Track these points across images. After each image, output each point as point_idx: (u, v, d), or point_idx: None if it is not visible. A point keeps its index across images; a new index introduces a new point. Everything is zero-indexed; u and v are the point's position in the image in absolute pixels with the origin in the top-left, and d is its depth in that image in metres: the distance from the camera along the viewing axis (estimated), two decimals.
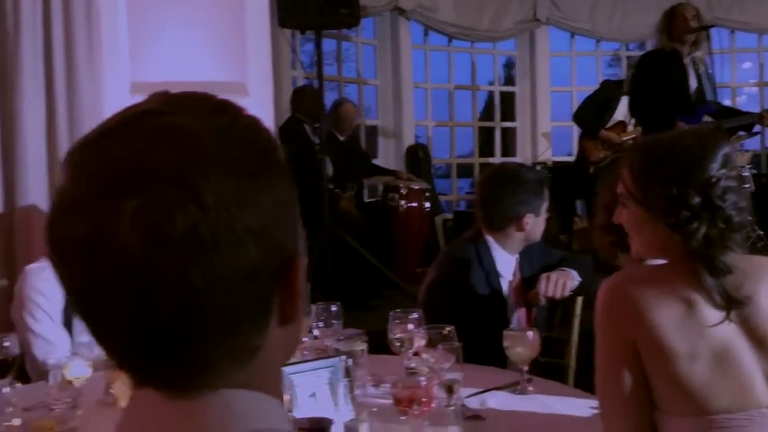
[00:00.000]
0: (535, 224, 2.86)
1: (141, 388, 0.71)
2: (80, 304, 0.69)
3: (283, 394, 0.77)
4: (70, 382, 2.23)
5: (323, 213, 5.14)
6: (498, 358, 2.47)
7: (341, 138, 6.60)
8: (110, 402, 2.33)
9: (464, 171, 9.31)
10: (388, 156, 8.26)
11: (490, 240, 2.87)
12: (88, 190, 0.66)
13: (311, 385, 1.91)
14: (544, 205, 2.88)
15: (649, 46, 7.26)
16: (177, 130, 0.67)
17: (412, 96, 8.45)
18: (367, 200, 6.81)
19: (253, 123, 0.73)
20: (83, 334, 2.94)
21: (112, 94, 3.80)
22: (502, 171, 2.97)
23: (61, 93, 3.64)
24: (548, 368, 2.82)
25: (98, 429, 2.08)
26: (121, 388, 2.00)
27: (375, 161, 7.51)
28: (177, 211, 0.64)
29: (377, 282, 5.46)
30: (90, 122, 3.63)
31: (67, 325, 2.91)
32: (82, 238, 0.65)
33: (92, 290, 0.67)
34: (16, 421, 1.85)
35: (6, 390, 1.82)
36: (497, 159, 9.17)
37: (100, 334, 0.70)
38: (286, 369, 1.84)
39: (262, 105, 4.24)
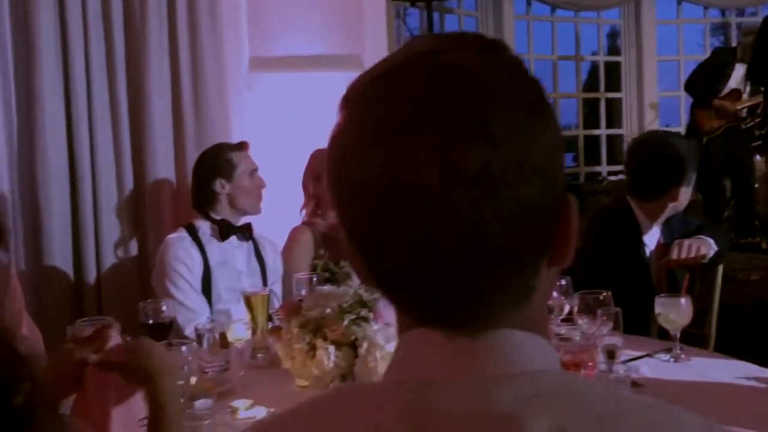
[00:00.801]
0: (685, 195, 2.84)
1: (416, 328, 0.71)
2: (366, 241, 0.69)
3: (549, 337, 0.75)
4: (222, 346, 2.29)
5: None
6: (642, 326, 2.43)
7: None
8: (258, 365, 2.40)
9: (568, 145, 9.15)
10: None
11: (637, 210, 2.86)
12: (383, 124, 0.66)
13: None
14: (694, 176, 2.84)
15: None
16: (464, 68, 0.68)
17: None
18: None
19: (521, 61, 0.72)
20: (220, 302, 3.01)
21: (233, 69, 3.85)
22: (655, 141, 2.94)
23: (186, 68, 3.71)
24: (688, 337, 2.76)
25: (253, 390, 2.12)
26: (284, 350, 2.03)
27: None
28: (471, 147, 0.64)
29: None
30: (213, 98, 3.71)
31: (206, 293, 2.99)
32: (379, 172, 0.66)
33: (383, 225, 0.67)
34: (193, 380, 1.90)
35: (184, 349, 1.87)
36: (602, 131, 8.99)
37: (383, 273, 0.70)
38: None
39: None
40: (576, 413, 0.65)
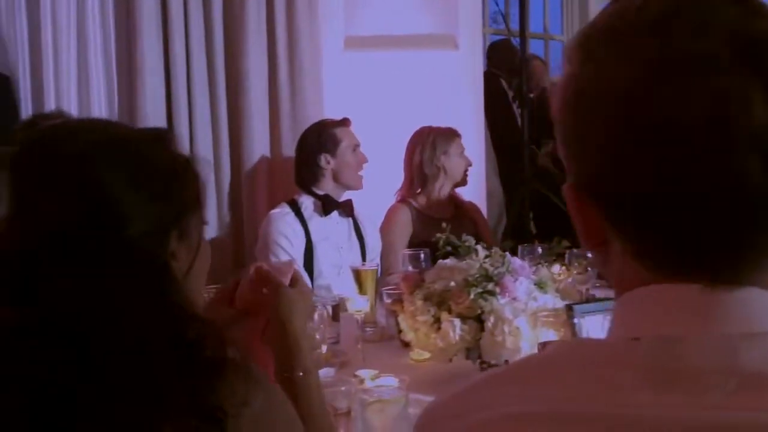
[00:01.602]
0: None
1: (655, 284, 0.68)
2: (672, 190, 0.65)
3: None
4: (333, 319, 2.31)
5: (523, 168, 5.05)
6: None
7: (530, 95, 6.46)
8: (367, 338, 2.40)
9: None
10: None
11: None
12: (716, 54, 0.62)
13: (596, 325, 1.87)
14: None
15: None
16: None
17: None
18: None
19: None
20: (321, 277, 3.03)
21: (328, 48, 3.87)
22: None
23: (283, 48, 3.73)
24: None
25: (371, 362, 2.13)
26: (407, 322, 2.04)
27: None
28: None
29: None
30: (309, 77, 3.73)
31: (308, 268, 3.01)
32: (697, 113, 0.62)
33: (678, 169, 0.63)
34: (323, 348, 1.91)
35: (316, 317, 1.88)
36: None
37: (641, 223, 0.68)
38: (577, 307, 1.81)
39: (471, 58, 4.21)
40: None
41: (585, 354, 0.70)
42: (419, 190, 3.36)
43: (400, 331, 2.18)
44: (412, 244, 3.10)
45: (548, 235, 5.12)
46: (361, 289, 2.49)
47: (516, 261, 2.09)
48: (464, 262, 2.02)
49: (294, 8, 3.73)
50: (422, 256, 2.56)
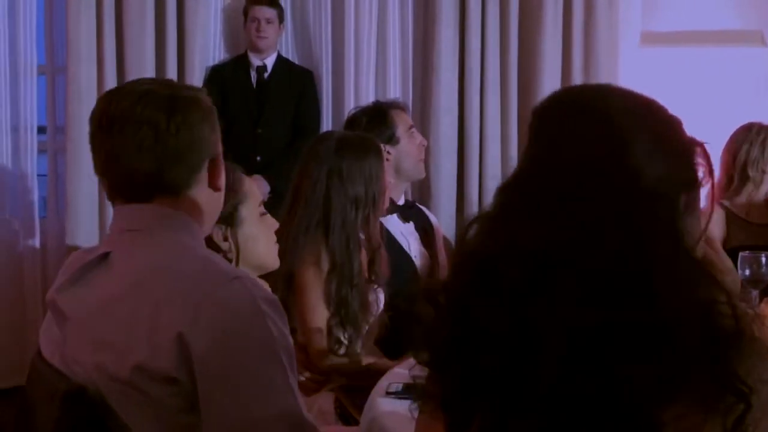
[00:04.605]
0: None
1: None
2: None
3: None
4: None
5: None
6: None
7: None
8: None
9: None
10: None
11: None
12: None
13: None
14: None
15: None
16: None
17: None
18: None
19: None
20: None
21: (624, 43, 3.74)
22: None
23: (578, 44, 3.66)
24: None
25: None
26: None
27: None
28: None
29: None
30: (603, 72, 3.62)
31: None
32: None
33: None
34: None
35: None
36: None
37: None
38: None
39: None
40: None
41: None
42: (737, 192, 3.07)
43: None
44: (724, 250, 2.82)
45: None
46: None
47: None
48: None
49: (592, 5, 3.64)
50: (764, 259, 2.28)
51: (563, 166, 0.92)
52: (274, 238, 1.76)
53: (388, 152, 2.59)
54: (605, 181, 0.90)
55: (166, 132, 1.26)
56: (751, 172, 2.98)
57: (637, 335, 0.84)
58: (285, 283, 2.11)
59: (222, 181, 1.36)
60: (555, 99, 1.00)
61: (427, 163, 3.28)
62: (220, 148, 1.36)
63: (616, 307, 0.85)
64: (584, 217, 0.88)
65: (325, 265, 2.15)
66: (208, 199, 1.34)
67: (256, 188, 1.77)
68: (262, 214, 1.73)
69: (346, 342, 2.16)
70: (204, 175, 1.32)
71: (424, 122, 3.59)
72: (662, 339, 0.84)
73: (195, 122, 1.29)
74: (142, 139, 1.26)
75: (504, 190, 0.96)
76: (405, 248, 2.72)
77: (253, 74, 3.56)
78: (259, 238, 1.70)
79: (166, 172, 1.28)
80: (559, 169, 0.92)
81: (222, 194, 1.39)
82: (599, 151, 0.91)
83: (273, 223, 1.76)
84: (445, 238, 3.10)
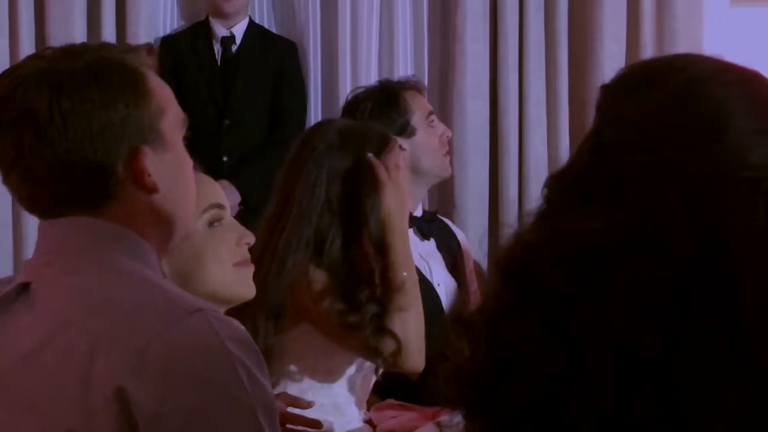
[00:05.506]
0: None
1: None
2: None
3: None
4: None
5: None
6: None
7: None
8: None
9: None
10: None
11: None
12: None
13: None
14: None
15: None
16: None
17: None
18: None
19: None
20: None
21: (710, 5, 3.35)
22: None
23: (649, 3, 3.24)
24: None
25: None
26: None
27: None
28: None
29: None
30: (684, 39, 3.24)
31: None
32: None
33: None
34: None
35: None
36: None
37: None
38: None
39: None
40: None
41: None
42: None
43: None
44: None
45: None
46: None
47: None
48: None
49: None
50: None
51: (637, 146, 0.81)
52: (235, 256, 1.53)
53: (401, 147, 2.27)
54: (698, 166, 0.80)
55: (49, 124, 1.07)
56: None
57: (714, 357, 0.76)
58: (271, 321, 1.88)
59: (154, 178, 1.11)
60: (632, 71, 0.91)
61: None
62: (156, 130, 1.11)
63: (686, 322, 0.77)
64: (656, 207, 0.79)
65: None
66: (150, 202, 1.12)
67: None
68: (213, 223, 1.50)
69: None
70: (124, 174, 1.11)
71: (444, 108, 3.20)
72: (746, 363, 0.76)
73: (93, 105, 1.08)
74: (21, 136, 1.08)
75: (556, 179, 0.87)
76: (425, 274, 2.42)
77: (217, 47, 3.17)
78: (207, 258, 1.49)
79: (63, 180, 1.09)
80: (631, 149, 0.81)
81: (175, 192, 1.16)
82: (690, 127, 0.82)
83: (231, 236, 1.53)
84: (475, 263, 2.65)
